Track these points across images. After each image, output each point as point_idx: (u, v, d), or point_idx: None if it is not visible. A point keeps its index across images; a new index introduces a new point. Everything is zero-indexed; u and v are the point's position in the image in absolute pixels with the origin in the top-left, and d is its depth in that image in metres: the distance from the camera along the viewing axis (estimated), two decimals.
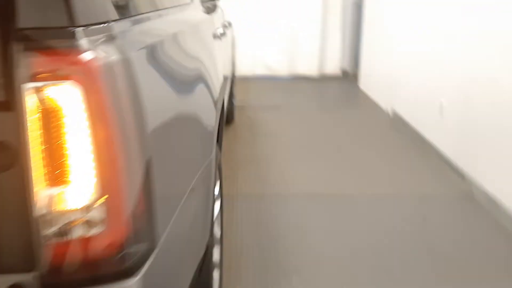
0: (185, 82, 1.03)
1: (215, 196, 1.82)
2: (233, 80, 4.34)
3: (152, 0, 1.02)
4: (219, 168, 1.80)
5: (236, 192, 2.86)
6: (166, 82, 0.88)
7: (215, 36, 2.01)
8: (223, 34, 2.50)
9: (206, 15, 1.83)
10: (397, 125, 4.22)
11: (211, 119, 1.26)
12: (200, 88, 1.16)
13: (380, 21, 4.92)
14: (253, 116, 4.61)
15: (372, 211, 2.64)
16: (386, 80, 4.68)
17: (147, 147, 0.72)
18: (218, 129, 1.97)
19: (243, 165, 3.32)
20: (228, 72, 3.18)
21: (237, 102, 5.06)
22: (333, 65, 6.54)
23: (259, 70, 6.56)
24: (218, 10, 2.60)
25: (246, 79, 6.43)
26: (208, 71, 1.30)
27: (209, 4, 2.10)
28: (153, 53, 0.83)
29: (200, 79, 1.15)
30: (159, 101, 0.81)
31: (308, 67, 6.48)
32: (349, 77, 6.51)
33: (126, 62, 0.69)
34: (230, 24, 3.12)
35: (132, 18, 0.81)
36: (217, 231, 1.87)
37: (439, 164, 3.31)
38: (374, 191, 2.91)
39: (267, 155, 3.52)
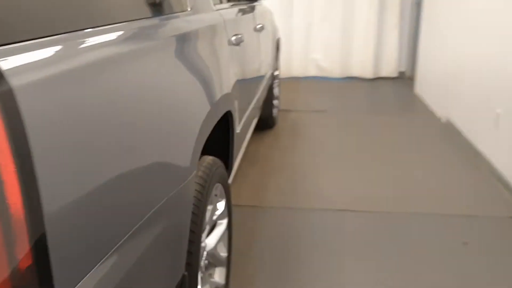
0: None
1: (219, 216, 1.72)
2: (274, 83, 4.22)
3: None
4: (223, 185, 1.70)
5: (262, 203, 2.75)
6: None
7: (231, 43, 1.91)
8: (248, 38, 2.39)
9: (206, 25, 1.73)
10: (450, 134, 3.89)
11: (188, 135, 1.16)
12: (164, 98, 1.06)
13: (437, 21, 4.57)
14: (297, 119, 4.46)
15: (411, 233, 2.42)
16: (441, 85, 4.35)
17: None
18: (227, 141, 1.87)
19: (276, 172, 3.20)
20: (262, 76, 3.07)
21: (281, 105, 4.94)
22: (390, 66, 6.22)
23: (311, 71, 6.38)
24: (242, 13, 2.49)
25: (297, 80, 6.28)
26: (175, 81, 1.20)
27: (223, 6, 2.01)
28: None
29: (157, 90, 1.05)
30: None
31: (362, 67, 6.20)
32: (405, 79, 6.16)
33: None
34: (264, 26, 3.00)
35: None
36: (221, 252, 1.77)
37: (491, 180, 3.00)
38: (416, 209, 2.67)
39: (304, 162, 3.37)
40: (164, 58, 1.09)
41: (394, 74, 6.24)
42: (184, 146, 1.12)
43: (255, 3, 3.31)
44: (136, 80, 0.95)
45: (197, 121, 1.22)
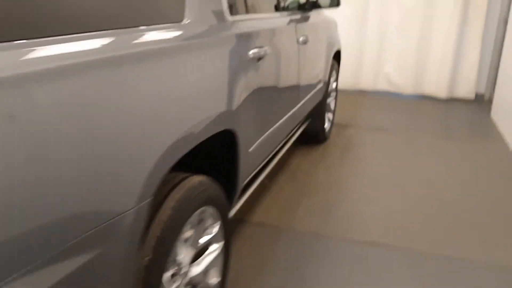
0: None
1: (211, 239, 1.61)
2: (329, 96, 4.03)
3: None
4: (217, 207, 1.59)
5: (288, 224, 2.59)
6: None
7: (245, 58, 1.79)
8: (280, 51, 2.26)
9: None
10: None
11: (139, 158, 1.06)
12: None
13: None
14: (353, 136, 4.22)
15: (465, 284, 2.15)
16: None
17: None
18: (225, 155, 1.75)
19: (313, 192, 3.02)
20: (306, 89, 2.91)
21: (338, 119, 4.71)
22: (466, 86, 5.72)
23: (381, 85, 6.05)
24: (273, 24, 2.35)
25: (364, 94, 5.99)
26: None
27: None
28: None
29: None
30: None
31: (436, 86, 5.77)
32: (482, 102, 5.63)
33: None
34: (309, 39, 2.84)
35: None
36: (212, 277, 1.66)
37: None
38: (470, 254, 2.37)
39: (347, 184, 3.15)
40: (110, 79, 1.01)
41: (471, 96, 5.73)
42: (130, 171, 1.02)
43: (309, 13, 3.16)
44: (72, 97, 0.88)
45: (157, 145, 1.12)
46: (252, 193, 2.97)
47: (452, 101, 5.73)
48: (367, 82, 6.09)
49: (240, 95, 1.70)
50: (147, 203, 1.10)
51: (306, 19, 2.99)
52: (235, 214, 2.67)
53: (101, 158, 0.95)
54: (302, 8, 3.14)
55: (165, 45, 1.23)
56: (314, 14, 3.28)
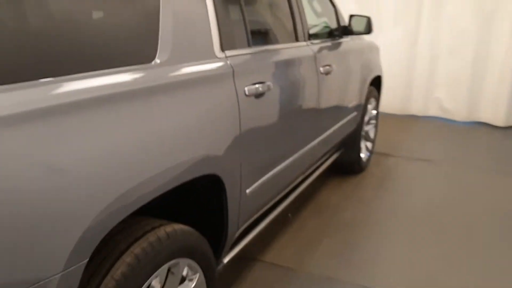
0: None
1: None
2: (367, 124, 3.81)
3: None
4: (195, 259, 1.47)
5: (302, 266, 2.41)
6: None
7: (240, 96, 1.68)
8: (290, 83, 2.12)
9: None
10: None
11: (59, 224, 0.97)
12: None
13: None
14: (394, 167, 3.96)
15: None
16: None
17: None
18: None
19: (338, 230, 2.81)
20: (331, 119, 2.75)
21: (381, 147, 4.45)
22: None
23: (432, 110, 5.70)
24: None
25: (414, 119, 5.67)
26: None
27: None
28: None
29: None
30: None
31: (493, 112, 5.34)
32: None
33: None
34: (333, 68, 2.67)
35: None
36: None
37: None
38: None
39: (377, 224, 2.91)
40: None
41: None
42: (50, 232, 0.93)
43: (340, 40, 3.00)
44: None
45: (91, 202, 1.02)
46: (270, 229, 2.82)
47: (511, 129, 5.27)
48: (417, 107, 5.76)
49: (229, 136, 1.59)
50: (80, 266, 1.00)
51: (334, 46, 2.84)
52: (245, 252, 2.53)
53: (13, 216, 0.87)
54: (331, 35, 3.00)
55: (119, 89, 1.15)
56: (347, 41, 3.11)
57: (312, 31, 2.87)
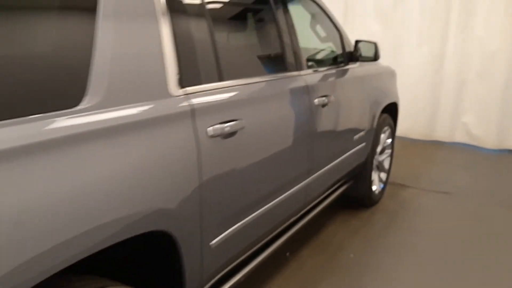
0: None
1: None
2: (382, 153, 3.56)
3: None
4: None
5: None
6: None
7: (202, 138, 1.50)
8: (272, 118, 1.92)
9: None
10: None
11: None
12: None
13: None
14: (410, 200, 3.67)
15: None
16: None
17: None
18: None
19: (337, 273, 2.56)
20: (330, 153, 2.53)
21: (398, 177, 4.15)
22: None
23: (459, 136, 5.35)
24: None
25: (438, 145, 5.33)
26: None
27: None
28: None
29: None
30: None
31: None
32: None
33: None
34: (331, 99, 2.46)
35: None
36: None
37: None
38: None
39: (383, 266, 2.65)
40: None
41: None
42: None
43: (345, 67, 2.79)
44: None
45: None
46: (265, 268, 2.60)
47: None
48: (443, 132, 5.42)
49: (185, 184, 1.40)
50: None
51: (337, 75, 2.62)
52: None
53: None
54: (336, 62, 2.79)
55: (28, 141, 0.99)
56: (353, 68, 2.89)
57: (312, 58, 2.67)
